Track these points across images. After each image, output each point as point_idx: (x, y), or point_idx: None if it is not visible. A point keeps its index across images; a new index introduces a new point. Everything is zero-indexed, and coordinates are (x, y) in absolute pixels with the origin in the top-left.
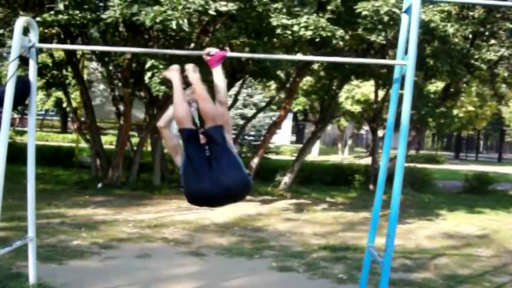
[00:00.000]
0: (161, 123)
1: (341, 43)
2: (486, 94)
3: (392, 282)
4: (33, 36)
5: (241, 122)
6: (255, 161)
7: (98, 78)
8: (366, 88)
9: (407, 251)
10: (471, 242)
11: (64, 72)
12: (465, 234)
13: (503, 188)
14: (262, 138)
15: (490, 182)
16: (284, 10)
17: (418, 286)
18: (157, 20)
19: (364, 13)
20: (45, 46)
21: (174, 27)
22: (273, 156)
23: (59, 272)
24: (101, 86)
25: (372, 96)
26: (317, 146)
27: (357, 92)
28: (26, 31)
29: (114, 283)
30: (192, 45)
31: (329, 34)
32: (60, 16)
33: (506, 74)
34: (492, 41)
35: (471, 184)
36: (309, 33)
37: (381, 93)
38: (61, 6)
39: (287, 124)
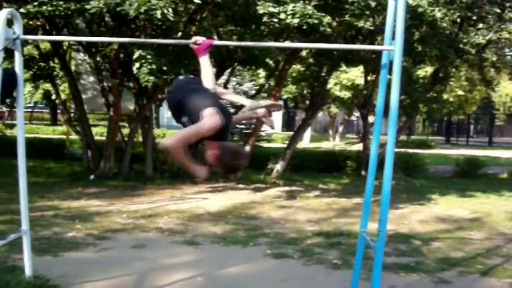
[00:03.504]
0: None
1: (328, 29)
2: (476, 78)
3: (386, 267)
4: (17, 27)
5: (232, 110)
6: (247, 149)
7: (87, 70)
8: (352, 73)
9: (400, 236)
10: (463, 225)
11: (51, 63)
12: (457, 217)
13: (494, 172)
14: (253, 126)
15: (480, 166)
16: None
17: (411, 269)
18: (141, 10)
19: None
20: (30, 37)
21: (159, 16)
22: (264, 144)
23: (55, 264)
24: (92, 78)
25: (359, 81)
26: (308, 133)
27: (344, 78)
28: (10, 23)
29: (110, 273)
30: (179, 34)
31: (316, 21)
32: (44, 7)
33: (494, 58)
34: (480, 25)
35: (462, 168)
36: (296, 20)
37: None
38: None
39: (278, 111)
